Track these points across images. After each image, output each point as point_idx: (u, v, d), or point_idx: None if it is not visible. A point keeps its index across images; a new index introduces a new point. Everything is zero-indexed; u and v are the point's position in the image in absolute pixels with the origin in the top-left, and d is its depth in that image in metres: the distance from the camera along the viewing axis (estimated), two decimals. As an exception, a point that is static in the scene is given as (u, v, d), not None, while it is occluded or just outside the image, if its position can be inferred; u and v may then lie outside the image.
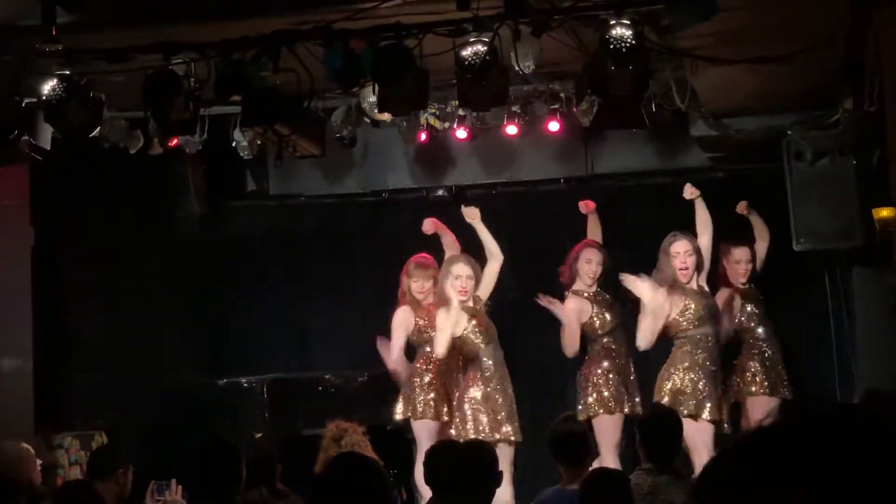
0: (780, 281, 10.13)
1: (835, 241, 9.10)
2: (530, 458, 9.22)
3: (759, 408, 9.31)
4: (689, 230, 9.58)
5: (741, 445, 1.42)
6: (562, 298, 9.62)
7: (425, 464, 5.58)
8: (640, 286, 9.28)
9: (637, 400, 9.49)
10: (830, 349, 10.16)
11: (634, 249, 10.16)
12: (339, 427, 8.08)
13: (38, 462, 8.06)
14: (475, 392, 9.26)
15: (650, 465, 6.68)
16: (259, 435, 9.92)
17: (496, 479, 5.38)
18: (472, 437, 8.87)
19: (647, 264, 10.00)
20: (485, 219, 9.91)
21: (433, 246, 10.06)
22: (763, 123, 9.23)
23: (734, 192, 10.47)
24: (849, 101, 8.30)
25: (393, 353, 9.44)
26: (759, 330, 9.70)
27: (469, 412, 9.25)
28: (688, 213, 9.88)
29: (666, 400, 9.00)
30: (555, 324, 9.60)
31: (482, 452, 5.47)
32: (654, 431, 6.82)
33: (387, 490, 4.23)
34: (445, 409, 9.44)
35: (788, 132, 9.13)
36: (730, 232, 9.80)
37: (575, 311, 9.52)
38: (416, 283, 9.53)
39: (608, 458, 9.03)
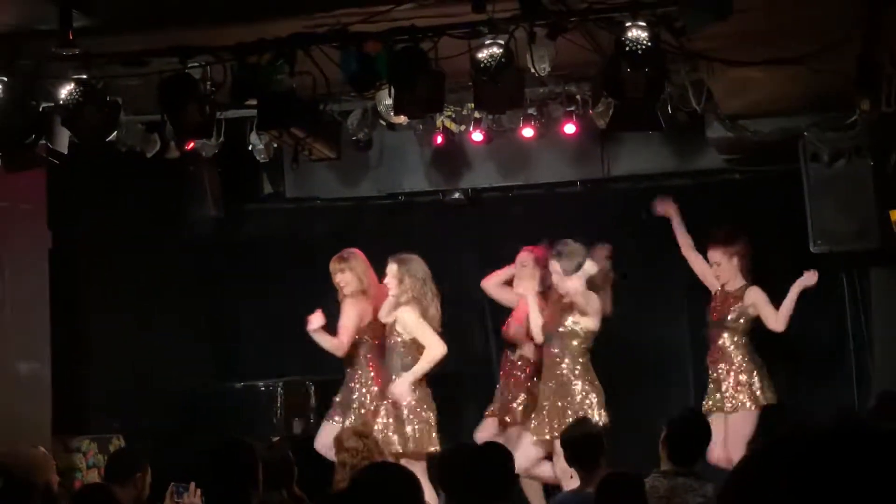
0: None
1: (851, 242, 9.08)
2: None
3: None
4: (704, 232, 9.59)
5: (753, 462, 1.43)
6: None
7: (438, 466, 5.57)
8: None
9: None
10: (848, 351, 10.12)
11: (650, 251, 10.14)
12: (357, 430, 8.09)
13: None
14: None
15: (669, 466, 6.67)
16: (276, 438, 9.92)
17: (511, 480, 5.37)
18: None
19: (662, 266, 10.00)
20: (501, 222, 9.89)
21: (449, 249, 10.09)
22: (779, 125, 9.20)
23: (750, 194, 10.46)
24: (865, 103, 8.27)
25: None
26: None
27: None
28: (702, 214, 9.87)
29: None
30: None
31: (496, 453, 5.46)
32: (681, 432, 6.81)
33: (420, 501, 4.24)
34: None
35: (805, 133, 9.11)
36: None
37: None
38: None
39: None
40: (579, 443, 6.99)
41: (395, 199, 11.63)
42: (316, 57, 7.35)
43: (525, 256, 9.91)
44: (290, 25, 7.30)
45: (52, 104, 7.84)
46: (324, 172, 11.22)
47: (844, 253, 9.29)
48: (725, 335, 9.58)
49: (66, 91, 7.64)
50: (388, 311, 9.49)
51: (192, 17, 7.22)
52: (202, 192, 11.00)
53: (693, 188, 10.81)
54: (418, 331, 9.33)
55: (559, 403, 9.26)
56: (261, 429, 10.00)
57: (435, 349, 9.29)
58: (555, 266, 9.43)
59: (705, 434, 6.95)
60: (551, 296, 9.58)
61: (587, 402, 9.23)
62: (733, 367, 9.50)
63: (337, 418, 9.64)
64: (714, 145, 9.88)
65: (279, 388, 10.48)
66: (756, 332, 9.54)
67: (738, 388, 9.46)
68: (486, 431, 9.77)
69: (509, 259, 10.04)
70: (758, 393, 9.40)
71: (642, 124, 8.32)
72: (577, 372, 9.32)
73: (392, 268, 9.48)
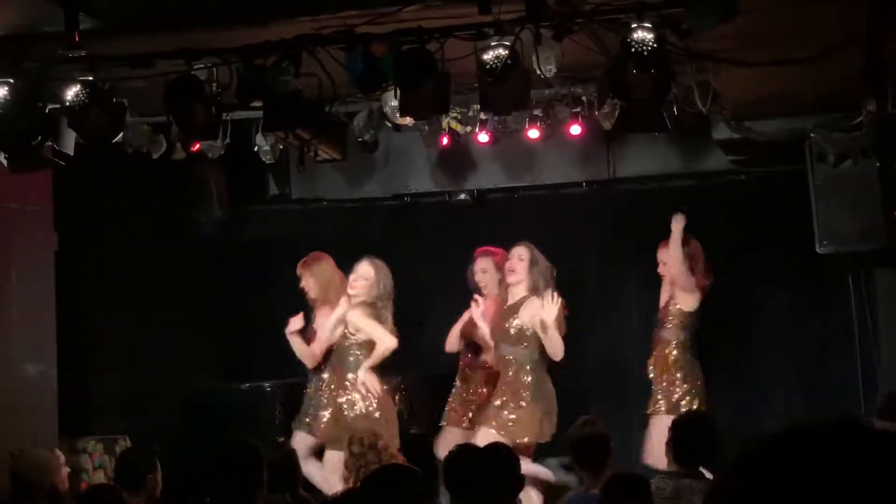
0: (803, 283, 10.08)
1: (858, 243, 9.07)
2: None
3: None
4: (710, 233, 9.58)
5: (750, 457, 1.43)
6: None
7: (444, 468, 5.57)
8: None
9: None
10: (854, 352, 10.11)
11: (654, 252, 10.13)
12: (373, 433, 8.08)
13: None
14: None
15: (675, 467, 6.66)
16: (282, 439, 9.92)
17: (518, 483, 5.36)
18: None
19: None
20: (506, 223, 9.86)
21: (455, 249, 10.07)
22: (785, 126, 9.19)
23: (756, 195, 10.46)
24: (872, 103, 8.26)
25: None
26: None
27: None
28: (708, 215, 9.86)
29: None
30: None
31: (502, 455, 5.46)
32: (686, 433, 6.81)
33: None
34: None
35: (811, 134, 9.10)
36: (744, 234, 9.76)
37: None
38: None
39: None
40: (585, 444, 6.98)
41: (401, 200, 11.64)
42: (322, 58, 7.35)
43: (485, 262, 9.88)
44: (295, 27, 7.31)
45: (59, 106, 7.83)
46: (329, 174, 11.23)
47: (850, 253, 9.28)
48: (662, 334, 9.60)
49: (72, 92, 7.64)
50: (341, 313, 9.52)
51: (197, 19, 7.23)
52: (208, 194, 11.02)
53: (699, 189, 10.81)
54: (369, 328, 9.38)
55: (506, 413, 9.16)
56: (266, 430, 10.00)
57: (387, 343, 9.34)
58: (523, 253, 9.39)
59: (711, 435, 6.94)
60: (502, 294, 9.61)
61: (532, 410, 9.17)
62: (666, 370, 9.50)
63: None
64: (720, 146, 9.88)
65: (285, 389, 10.48)
66: (699, 337, 9.56)
67: (665, 390, 9.44)
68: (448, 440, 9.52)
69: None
70: (679, 399, 9.36)
71: (648, 125, 8.32)
72: (525, 380, 9.24)
73: (368, 270, 9.47)
